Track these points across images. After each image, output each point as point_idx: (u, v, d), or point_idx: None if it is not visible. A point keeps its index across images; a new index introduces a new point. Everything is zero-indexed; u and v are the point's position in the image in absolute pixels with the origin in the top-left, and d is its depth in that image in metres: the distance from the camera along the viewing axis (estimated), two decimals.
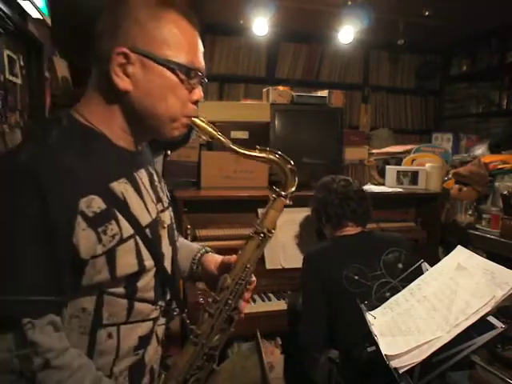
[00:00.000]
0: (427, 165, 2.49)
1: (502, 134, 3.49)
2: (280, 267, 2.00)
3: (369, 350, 1.22)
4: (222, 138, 0.86)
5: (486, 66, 3.75)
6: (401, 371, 0.98)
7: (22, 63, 1.73)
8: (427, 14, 3.19)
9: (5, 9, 1.48)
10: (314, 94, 2.50)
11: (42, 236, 0.66)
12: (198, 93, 0.82)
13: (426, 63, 4.22)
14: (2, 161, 0.72)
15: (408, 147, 2.84)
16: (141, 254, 0.77)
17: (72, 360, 0.69)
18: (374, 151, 2.89)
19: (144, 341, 0.83)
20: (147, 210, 0.82)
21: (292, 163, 0.91)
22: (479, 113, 3.87)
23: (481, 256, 1.19)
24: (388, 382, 1.03)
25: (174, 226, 0.97)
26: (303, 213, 2.13)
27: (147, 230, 0.80)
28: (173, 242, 0.93)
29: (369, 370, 1.32)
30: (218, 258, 1.04)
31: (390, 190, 2.35)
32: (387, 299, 1.28)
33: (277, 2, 2.92)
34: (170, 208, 0.96)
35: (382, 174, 2.60)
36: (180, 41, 0.76)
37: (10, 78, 1.57)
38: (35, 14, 1.85)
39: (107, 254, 0.72)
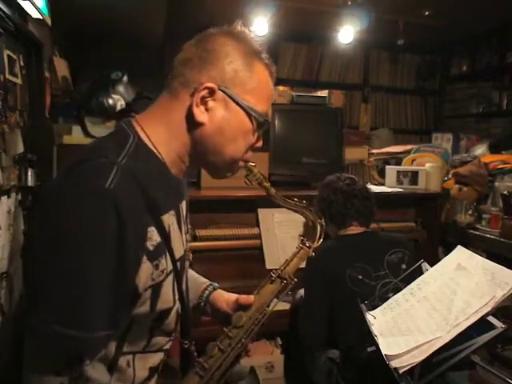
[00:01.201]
0: (427, 165, 2.49)
1: (501, 134, 3.49)
2: None
3: (369, 349, 1.22)
4: (267, 185, 0.89)
5: (486, 66, 3.75)
6: (401, 371, 0.98)
7: (21, 63, 1.73)
8: (427, 13, 3.19)
9: (5, 9, 1.48)
10: (313, 94, 2.50)
11: (117, 272, 0.63)
12: (260, 140, 0.85)
13: (426, 63, 4.22)
14: (81, 179, 0.65)
15: (408, 147, 2.84)
16: (174, 289, 0.77)
17: None
18: (374, 151, 2.89)
19: (153, 372, 0.81)
20: (182, 242, 0.83)
21: (322, 219, 0.98)
22: (479, 113, 3.86)
23: (481, 256, 1.19)
24: (388, 382, 1.03)
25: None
26: None
27: (178, 264, 0.79)
28: (185, 271, 0.91)
29: (369, 370, 1.32)
30: (230, 296, 1.01)
31: (389, 189, 2.35)
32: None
33: (277, 2, 2.92)
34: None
35: (381, 174, 2.60)
36: (262, 91, 0.80)
37: (10, 78, 1.57)
38: (35, 14, 1.84)
39: (154, 288, 0.71)
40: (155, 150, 0.75)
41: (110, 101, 2.13)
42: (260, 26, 3.06)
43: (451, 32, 3.60)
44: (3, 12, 1.47)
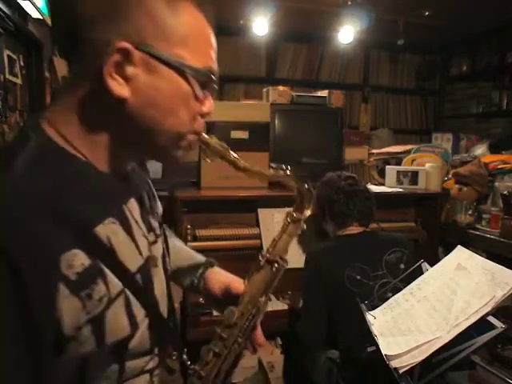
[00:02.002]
0: (427, 165, 2.49)
1: (501, 134, 3.49)
2: None
3: (369, 349, 1.22)
4: (233, 157, 0.71)
5: (486, 66, 3.75)
6: (401, 371, 0.98)
7: (21, 63, 1.73)
8: (427, 13, 3.19)
9: (5, 9, 1.48)
10: (313, 94, 2.50)
11: (20, 325, 0.49)
12: (210, 105, 0.66)
13: (426, 63, 4.22)
14: None
15: (408, 147, 2.84)
16: (131, 310, 0.61)
17: None
18: (374, 151, 2.89)
19: None
20: (138, 249, 0.64)
21: (309, 183, 0.79)
22: (479, 113, 3.87)
23: (481, 256, 1.19)
24: (388, 382, 1.03)
25: (166, 251, 0.79)
26: None
27: (137, 276, 0.63)
28: (166, 273, 0.75)
29: (369, 370, 1.32)
30: (224, 278, 0.88)
31: (389, 190, 2.35)
32: (389, 299, 1.28)
33: (277, 2, 2.92)
34: (163, 229, 0.79)
35: (381, 174, 2.60)
36: (198, 40, 0.60)
37: (10, 78, 1.57)
38: (35, 14, 1.85)
39: (93, 322, 0.55)
40: (71, 149, 0.58)
41: None
42: (260, 25, 3.06)
43: (451, 32, 3.61)
44: (3, 12, 1.47)
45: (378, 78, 4.17)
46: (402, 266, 1.53)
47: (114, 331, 0.58)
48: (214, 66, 0.63)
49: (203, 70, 0.60)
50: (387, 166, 2.57)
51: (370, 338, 1.16)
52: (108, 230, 0.59)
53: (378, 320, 1.20)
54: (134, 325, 0.61)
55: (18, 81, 1.67)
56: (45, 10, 1.95)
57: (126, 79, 0.56)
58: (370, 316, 1.23)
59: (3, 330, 0.49)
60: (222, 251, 1.95)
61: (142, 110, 0.58)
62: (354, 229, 1.66)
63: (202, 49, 0.61)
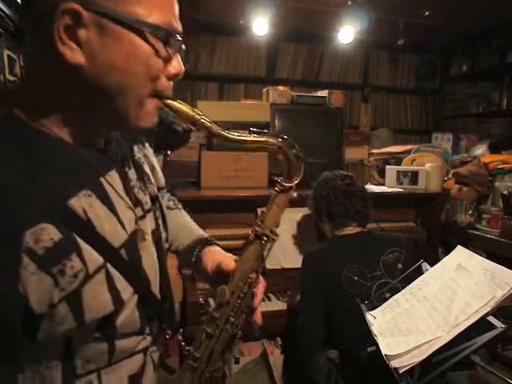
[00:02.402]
0: (427, 165, 2.49)
1: (501, 134, 3.49)
2: (280, 267, 2.00)
3: (369, 350, 1.22)
4: (207, 123, 0.63)
5: (486, 66, 3.75)
6: (401, 371, 0.98)
7: (21, 63, 1.73)
8: (427, 13, 3.19)
9: (5, 9, 1.48)
10: (314, 94, 2.50)
11: None
12: (178, 65, 0.61)
13: (426, 63, 4.22)
14: None
15: (408, 147, 2.85)
16: (115, 286, 0.59)
17: None
18: (374, 151, 2.89)
19: (136, 379, 0.67)
20: (121, 223, 0.62)
21: (297, 147, 0.72)
22: (479, 113, 3.86)
23: (481, 256, 1.19)
24: (388, 382, 1.03)
25: (162, 227, 0.77)
26: (303, 213, 2.13)
27: (122, 251, 0.61)
28: (159, 249, 0.73)
29: (369, 370, 1.32)
30: (218, 256, 0.86)
31: (389, 190, 2.35)
32: (387, 300, 1.28)
33: (277, 2, 2.92)
34: (158, 204, 0.77)
35: (381, 174, 2.60)
36: None
37: (10, 77, 1.57)
38: None
39: (69, 299, 0.53)
40: (38, 126, 0.56)
41: None
42: (260, 25, 3.06)
43: (451, 32, 3.60)
44: (3, 12, 1.47)
45: (377, 77, 4.17)
46: (400, 266, 1.53)
47: (95, 308, 0.56)
48: (176, 23, 0.59)
49: (163, 26, 0.56)
50: (387, 166, 2.57)
51: (369, 339, 1.16)
52: (83, 202, 0.57)
53: (378, 320, 1.20)
54: (118, 302, 0.59)
55: None
56: None
57: (79, 44, 0.53)
58: (369, 316, 1.23)
59: None
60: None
61: (100, 75, 0.54)
62: (352, 229, 1.66)
63: (160, 4, 0.56)
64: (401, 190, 2.37)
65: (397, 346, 1.04)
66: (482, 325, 1.00)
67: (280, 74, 3.89)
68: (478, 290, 1.06)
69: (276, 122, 2.31)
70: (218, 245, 0.92)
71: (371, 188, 2.32)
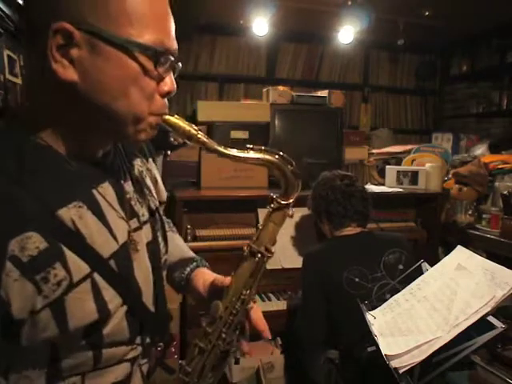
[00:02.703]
0: (427, 165, 2.49)
1: (502, 134, 3.49)
2: (280, 267, 2.00)
3: (369, 350, 1.22)
4: (203, 138, 0.64)
5: (486, 66, 3.75)
6: (401, 371, 0.98)
7: (21, 63, 1.73)
8: (427, 13, 3.19)
9: (5, 9, 1.48)
10: (314, 94, 2.50)
11: None
12: (170, 83, 0.61)
13: (426, 63, 4.22)
14: None
15: (408, 147, 2.85)
16: (101, 295, 0.59)
17: None
18: (374, 151, 2.89)
19: None
20: (112, 234, 0.63)
21: (294, 164, 0.71)
22: (479, 113, 3.86)
23: (481, 256, 1.19)
24: (388, 382, 1.03)
25: (160, 239, 0.77)
26: (302, 213, 2.13)
27: (112, 262, 0.62)
28: (155, 262, 0.73)
29: (369, 370, 1.32)
30: (209, 276, 0.86)
31: (389, 190, 2.35)
32: (387, 300, 1.28)
33: (277, 2, 2.92)
34: (158, 216, 0.78)
35: (381, 174, 2.60)
36: (145, 14, 0.55)
37: (10, 77, 1.57)
38: None
39: (52, 306, 0.54)
40: (34, 138, 0.58)
41: None
42: (260, 25, 3.06)
43: (451, 32, 3.60)
44: (3, 12, 1.47)
45: (377, 78, 4.17)
46: (401, 267, 1.53)
47: (78, 316, 0.57)
48: (169, 40, 0.59)
49: (153, 45, 0.56)
50: (387, 166, 2.57)
51: (369, 338, 1.16)
52: (73, 213, 0.58)
53: (378, 320, 1.20)
54: (103, 311, 0.60)
55: (18, 81, 1.67)
56: None
57: (72, 62, 0.54)
58: (369, 316, 1.23)
59: None
60: (221, 251, 1.95)
61: (93, 93, 0.56)
62: (351, 229, 1.65)
63: (150, 24, 0.56)
64: (401, 189, 2.37)
65: (397, 346, 1.04)
66: (482, 325, 1.00)
67: (280, 74, 3.89)
68: (477, 290, 1.06)
69: (276, 121, 2.30)
70: (207, 267, 0.94)
71: (371, 188, 2.32)
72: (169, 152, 2.09)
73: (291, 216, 0.75)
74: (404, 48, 3.65)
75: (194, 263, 0.92)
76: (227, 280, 0.77)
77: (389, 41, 3.61)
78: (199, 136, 0.64)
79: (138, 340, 0.68)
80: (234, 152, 0.67)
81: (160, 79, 0.60)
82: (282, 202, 0.73)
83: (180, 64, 0.63)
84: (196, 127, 0.65)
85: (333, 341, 1.56)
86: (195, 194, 2.09)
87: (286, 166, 0.70)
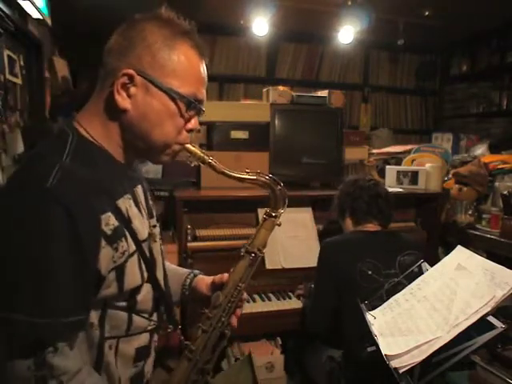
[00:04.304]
0: (427, 165, 2.48)
1: (502, 134, 3.49)
2: (280, 267, 2.00)
3: (369, 349, 1.22)
4: (213, 163, 0.87)
5: (486, 66, 3.75)
6: (401, 371, 0.98)
7: (22, 63, 1.73)
8: (427, 13, 3.19)
9: (5, 9, 1.48)
10: (314, 94, 2.49)
11: (75, 258, 0.66)
12: (194, 123, 0.83)
13: (426, 63, 4.22)
14: (24, 185, 0.69)
15: (408, 147, 2.84)
16: (142, 267, 0.81)
17: (83, 381, 0.70)
18: (374, 151, 2.89)
19: (142, 352, 0.85)
20: (145, 225, 0.85)
21: (282, 185, 0.94)
22: (479, 113, 3.87)
23: (481, 256, 1.19)
24: (388, 381, 1.03)
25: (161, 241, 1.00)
26: (303, 213, 2.13)
27: (144, 245, 0.83)
28: (163, 254, 0.96)
29: (369, 370, 1.32)
30: (208, 279, 1.06)
31: (390, 190, 2.35)
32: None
33: (277, 1, 2.92)
34: (159, 224, 0.99)
35: (381, 174, 2.60)
36: (187, 72, 0.79)
37: (10, 77, 1.57)
38: (35, 14, 1.85)
39: (117, 269, 0.74)
40: (96, 143, 0.78)
41: None
42: (260, 25, 3.06)
43: (451, 32, 3.61)
44: (3, 12, 1.48)
45: (377, 77, 4.17)
46: (416, 270, 1.51)
47: (131, 280, 0.77)
48: (200, 94, 0.82)
49: (187, 96, 0.79)
50: (387, 166, 2.57)
51: (370, 338, 1.16)
52: (126, 203, 0.80)
53: (378, 320, 1.20)
54: (143, 278, 0.81)
55: (18, 81, 1.67)
56: (45, 10, 1.95)
57: (129, 96, 0.77)
58: (369, 316, 1.23)
59: (57, 267, 0.65)
60: (221, 251, 1.95)
61: (138, 120, 0.78)
62: (372, 226, 1.66)
63: (189, 80, 0.79)
64: (401, 190, 2.37)
65: (397, 346, 1.04)
66: (482, 325, 1.00)
67: (280, 74, 3.89)
68: (477, 290, 1.06)
69: (276, 121, 2.30)
70: (202, 273, 1.12)
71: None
72: None
73: (279, 225, 0.96)
74: (404, 48, 3.65)
75: (192, 274, 1.10)
76: (225, 276, 0.98)
77: (389, 41, 3.61)
78: (210, 160, 0.86)
79: (155, 316, 0.87)
80: (236, 174, 0.89)
81: (188, 118, 0.82)
82: (273, 214, 0.95)
83: (204, 109, 0.84)
84: (208, 153, 0.86)
85: (338, 340, 1.56)
86: (195, 194, 2.09)
87: (276, 186, 0.93)
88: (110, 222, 0.72)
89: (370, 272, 1.50)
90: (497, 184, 2.37)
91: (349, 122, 4.01)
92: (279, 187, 0.93)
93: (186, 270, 1.12)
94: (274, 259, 2.01)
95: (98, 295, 0.73)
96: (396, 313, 1.19)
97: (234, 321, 0.96)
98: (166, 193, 2.23)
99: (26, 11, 1.73)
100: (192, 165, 0.87)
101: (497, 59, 3.64)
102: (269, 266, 1.99)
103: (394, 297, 1.27)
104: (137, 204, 0.84)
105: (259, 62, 3.83)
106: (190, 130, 0.83)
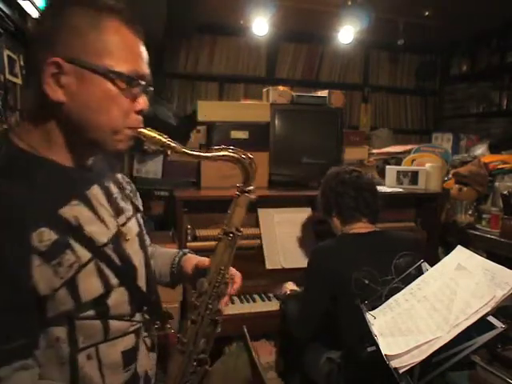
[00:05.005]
0: (427, 165, 2.49)
1: (502, 134, 3.49)
2: (280, 267, 2.00)
3: (369, 350, 1.21)
4: (172, 144, 0.80)
5: (486, 66, 3.75)
6: (401, 371, 0.98)
7: (21, 63, 1.73)
8: (427, 13, 3.19)
9: (5, 9, 1.48)
10: (314, 94, 2.50)
11: (2, 286, 0.63)
12: (142, 102, 0.78)
13: (426, 63, 4.22)
14: None
15: (408, 147, 2.85)
16: (104, 274, 0.75)
17: None
18: (374, 151, 2.89)
19: (130, 355, 0.81)
20: (106, 227, 0.79)
21: (250, 156, 0.88)
22: (479, 113, 3.86)
23: (481, 256, 1.19)
24: (388, 382, 1.03)
25: (145, 231, 0.95)
26: (303, 213, 2.13)
27: (107, 249, 0.77)
28: (144, 249, 0.90)
29: (369, 370, 1.31)
30: (195, 259, 1.04)
31: (390, 190, 2.35)
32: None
33: (277, 1, 2.92)
34: (139, 214, 0.94)
35: (381, 174, 2.60)
36: (121, 49, 0.73)
37: (10, 78, 1.57)
38: (35, 14, 1.84)
39: (68, 284, 0.69)
40: (33, 151, 0.72)
41: None
42: (260, 25, 3.06)
43: (451, 32, 3.60)
44: (3, 12, 1.47)
45: (377, 78, 4.17)
46: (413, 272, 1.46)
47: (88, 291, 0.72)
48: (141, 69, 0.76)
49: (127, 73, 0.73)
50: (387, 166, 2.57)
51: (370, 338, 1.16)
52: (74, 211, 0.73)
53: (378, 320, 1.20)
54: (107, 286, 0.75)
55: (18, 81, 1.66)
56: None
57: (62, 86, 0.70)
58: (369, 316, 1.23)
59: None
60: None
61: (78, 111, 0.72)
62: (363, 226, 1.59)
63: (124, 57, 0.73)
64: (401, 190, 2.37)
65: (397, 346, 1.04)
66: (482, 325, 1.00)
67: (280, 74, 3.89)
68: (477, 290, 1.06)
69: (276, 121, 2.30)
70: (191, 253, 1.10)
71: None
72: (168, 152, 2.08)
73: (254, 199, 0.92)
74: (404, 48, 3.65)
75: (181, 253, 1.08)
76: (207, 261, 0.95)
77: (389, 41, 3.61)
78: (168, 142, 0.80)
79: (138, 317, 0.83)
80: (200, 153, 0.83)
81: (134, 99, 0.76)
82: (245, 189, 0.90)
83: (152, 88, 0.79)
84: (165, 136, 0.80)
85: (337, 342, 1.53)
86: (195, 194, 2.09)
87: (245, 160, 0.87)
88: (44, 237, 0.67)
89: (366, 281, 1.43)
90: (497, 184, 2.37)
91: (349, 122, 4.01)
92: (248, 160, 0.88)
93: (175, 250, 1.10)
94: (274, 259, 2.01)
95: (53, 312, 0.69)
96: (396, 313, 1.19)
97: (223, 307, 0.94)
98: (166, 193, 2.23)
99: (25, 11, 1.73)
100: (150, 150, 0.82)
101: (497, 59, 3.64)
102: (269, 266, 1.99)
103: (393, 297, 1.27)
104: (91, 207, 0.77)
105: (259, 62, 3.83)
106: (139, 111, 0.77)
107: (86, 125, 0.73)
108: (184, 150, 0.81)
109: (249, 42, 3.62)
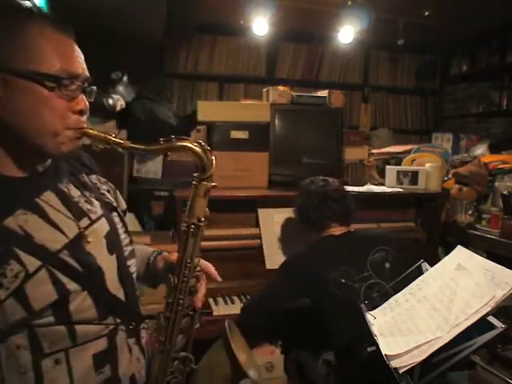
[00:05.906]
0: (427, 165, 2.49)
1: (502, 134, 3.49)
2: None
3: (369, 350, 1.22)
4: (118, 140, 0.78)
5: (486, 66, 3.75)
6: (401, 371, 0.98)
7: None
8: (427, 13, 3.19)
9: None
10: (314, 94, 2.50)
11: None
12: (81, 102, 0.75)
13: (426, 63, 4.22)
14: None
15: (408, 147, 2.85)
16: (58, 280, 0.73)
17: None
18: (374, 151, 2.89)
19: (102, 357, 0.79)
20: (60, 231, 0.76)
21: (202, 143, 0.85)
22: (479, 113, 3.86)
23: (481, 256, 1.19)
24: (388, 382, 1.03)
25: (120, 230, 0.91)
26: None
27: (62, 255, 0.74)
28: (117, 249, 0.87)
29: (368, 370, 1.32)
30: (167, 255, 1.03)
31: (389, 190, 2.35)
32: (375, 299, 1.27)
33: (277, 1, 2.92)
34: (114, 213, 0.91)
35: (382, 174, 2.60)
36: (45, 50, 0.70)
37: None
38: None
39: (15, 294, 0.68)
40: None
41: (110, 101, 2.13)
42: (260, 25, 3.06)
43: (451, 32, 3.60)
44: None
45: (377, 78, 4.17)
46: (388, 265, 1.49)
47: (40, 298, 0.70)
48: (73, 68, 0.73)
49: (54, 73, 0.70)
50: (387, 166, 2.57)
51: (369, 338, 1.16)
52: (19, 220, 0.71)
53: (378, 320, 1.20)
54: (62, 291, 0.73)
55: None
56: (45, 10, 1.95)
57: None
58: (369, 316, 1.23)
59: None
60: (222, 251, 1.95)
61: (12, 119, 0.70)
62: (335, 229, 1.66)
63: (49, 56, 0.70)
64: (401, 190, 2.37)
65: (397, 346, 1.04)
66: (482, 325, 1.00)
67: (280, 74, 3.89)
68: (477, 290, 1.06)
69: (276, 121, 2.30)
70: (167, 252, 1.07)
71: (371, 188, 2.32)
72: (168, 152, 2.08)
73: (213, 187, 0.91)
74: (404, 48, 3.64)
75: (156, 252, 1.07)
76: (174, 256, 0.93)
77: (389, 41, 3.61)
78: (114, 139, 0.77)
79: (111, 319, 0.81)
80: (148, 146, 0.80)
81: (71, 99, 0.73)
82: (202, 177, 0.88)
83: (94, 87, 0.78)
84: (111, 133, 0.78)
85: (328, 342, 1.55)
86: None
87: (197, 146, 0.84)
88: None
89: (343, 280, 1.46)
90: (497, 184, 2.37)
91: (349, 122, 4.01)
92: (201, 146, 0.85)
93: (152, 250, 1.09)
94: (274, 259, 2.01)
95: (5, 323, 0.68)
96: (396, 313, 1.19)
97: (198, 302, 0.92)
98: (166, 193, 2.23)
99: None
100: (98, 150, 0.79)
101: (497, 59, 3.64)
102: (269, 266, 1.99)
103: (393, 297, 1.27)
104: (43, 214, 0.75)
105: (259, 62, 3.82)
106: (78, 112, 0.75)
107: (24, 131, 0.71)
108: (131, 145, 0.79)
109: (249, 42, 3.62)
